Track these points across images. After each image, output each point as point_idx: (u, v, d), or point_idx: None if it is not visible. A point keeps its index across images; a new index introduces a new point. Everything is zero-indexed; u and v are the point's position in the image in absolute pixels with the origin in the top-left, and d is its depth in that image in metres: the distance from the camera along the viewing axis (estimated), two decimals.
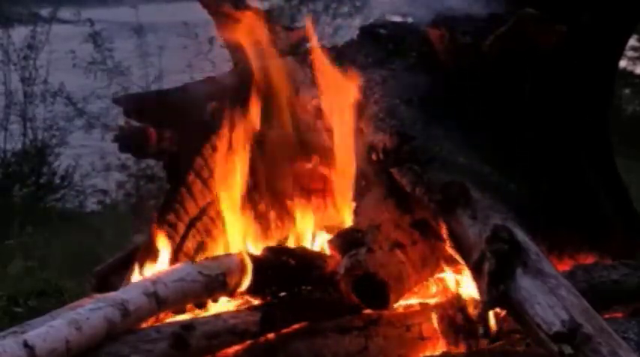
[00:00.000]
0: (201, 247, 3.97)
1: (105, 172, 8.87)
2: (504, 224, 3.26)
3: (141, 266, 3.84)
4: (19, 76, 9.03)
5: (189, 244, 3.96)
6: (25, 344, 3.00)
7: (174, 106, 4.13)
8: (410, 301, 3.72)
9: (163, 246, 3.88)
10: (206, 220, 4.01)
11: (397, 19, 4.23)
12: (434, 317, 3.64)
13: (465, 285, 3.69)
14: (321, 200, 4.09)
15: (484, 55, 3.83)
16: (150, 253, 3.86)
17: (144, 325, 3.38)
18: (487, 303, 3.20)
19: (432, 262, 3.61)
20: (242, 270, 3.62)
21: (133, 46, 9.42)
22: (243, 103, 4.06)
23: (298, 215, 4.07)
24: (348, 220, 3.83)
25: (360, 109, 3.84)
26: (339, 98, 3.93)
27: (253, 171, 4.02)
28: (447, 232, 3.41)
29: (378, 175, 3.70)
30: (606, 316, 3.50)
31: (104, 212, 8.30)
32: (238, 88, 4.09)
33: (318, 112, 4.03)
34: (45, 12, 9.53)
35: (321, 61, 4.02)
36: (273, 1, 9.03)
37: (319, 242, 3.99)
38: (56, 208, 8.54)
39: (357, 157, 3.81)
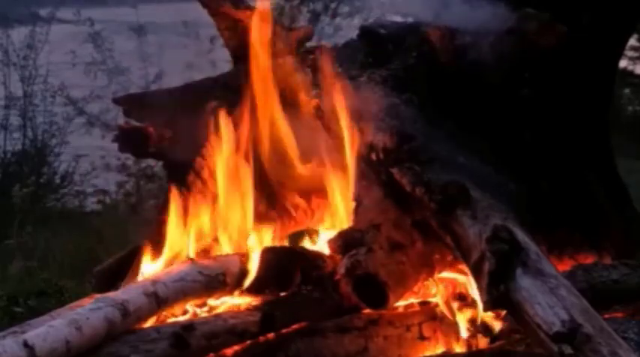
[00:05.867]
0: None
1: (105, 172, 8.86)
2: (504, 224, 3.26)
3: (141, 266, 3.83)
4: (19, 76, 9.02)
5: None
6: (25, 344, 3.00)
7: (174, 106, 4.13)
8: (410, 301, 3.72)
9: (163, 246, 3.87)
10: None
11: (397, 19, 4.23)
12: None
13: (464, 285, 3.69)
14: (321, 200, 4.09)
15: (484, 56, 3.83)
16: (150, 252, 3.86)
17: (144, 325, 3.38)
18: (487, 303, 3.20)
19: (432, 262, 3.61)
20: (243, 270, 3.62)
21: (133, 46, 9.41)
22: (243, 103, 4.06)
23: (298, 215, 4.07)
24: (348, 220, 3.83)
25: (360, 109, 3.84)
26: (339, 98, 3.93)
27: (253, 171, 4.02)
28: (447, 232, 3.41)
29: (378, 175, 3.70)
30: (606, 316, 3.50)
31: (104, 212, 8.28)
32: (238, 88, 4.09)
33: (318, 112, 4.03)
34: (45, 12, 9.52)
35: (321, 60, 4.02)
36: (273, 1, 9.02)
37: (320, 242, 3.99)
38: (56, 208, 8.53)
39: (357, 157, 3.80)
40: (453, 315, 3.68)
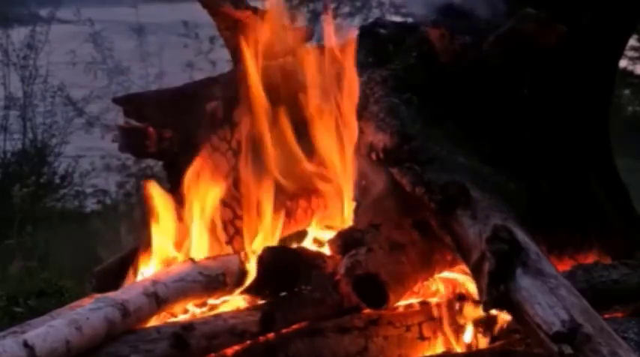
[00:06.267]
0: None
1: (105, 172, 8.87)
2: (504, 224, 3.26)
3: (141, 266, 3.83)
4: (19, 76, 9.03)
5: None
6: (25, 344, 3.00)
7: (175, 106, 4.13)
8: (410, 301, 3.72)
9: (163, 246, 3.87)
10: None
11: (397, 19, 4.23)
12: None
13: (464, 285, 3.69)
14: (321, 200, 4.09)
15: (484, 55, 3.83)
16: (150, 253, 3.86)
17: (144, 325, 3.38)
18: (487, 303, 3.20)
19: (432, 262, 3.61)
20: (243, 270, 3.62)
21: (133, 46, 9.42)
22: (243, 103, 4.06)
23: (298, 215, 4.07)
24: (348, 220, 3.83)
25: (361, 109, 3.84)
26: (339, 98, 3.93)
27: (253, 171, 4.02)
28: (447, 232, 3.41)
29: (378, 175, 3.70)
30: (606, 316, 3.50)
31: (104, 212, 8.30)
32: (238, 88, 4.09)
33: (318, 112, 4.03)
34: (45, 12, 9.53)
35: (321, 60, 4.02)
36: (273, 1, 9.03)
37: (320, 242, 3.99)
38: (56, 208, 8.54)
39: (357, 157, 3.80)
40: (454, 315, 3.68)
